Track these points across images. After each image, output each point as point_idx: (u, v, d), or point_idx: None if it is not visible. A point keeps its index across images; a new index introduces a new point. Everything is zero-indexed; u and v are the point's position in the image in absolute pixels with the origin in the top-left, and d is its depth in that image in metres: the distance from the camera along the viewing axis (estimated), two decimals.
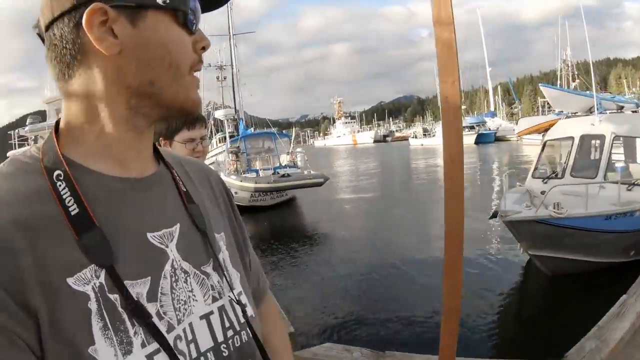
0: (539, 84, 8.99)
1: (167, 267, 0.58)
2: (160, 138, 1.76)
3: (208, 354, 0.58)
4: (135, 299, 0.52)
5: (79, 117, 0.57)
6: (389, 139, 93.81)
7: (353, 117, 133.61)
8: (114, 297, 0.51)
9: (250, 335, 0.65)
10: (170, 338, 0.54)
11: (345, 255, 8.93)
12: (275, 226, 12.81)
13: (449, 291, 1.74)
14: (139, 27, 0.54)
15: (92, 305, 0.49)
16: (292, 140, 18.54)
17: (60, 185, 0.53)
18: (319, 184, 13.71)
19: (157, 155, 0.68)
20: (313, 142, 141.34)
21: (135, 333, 0.51)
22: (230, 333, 0.62)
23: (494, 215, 5.62)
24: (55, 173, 0.53)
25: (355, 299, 6.54)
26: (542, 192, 7.10)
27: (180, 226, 0.62)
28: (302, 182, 13.99)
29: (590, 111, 8.02)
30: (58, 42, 0.55)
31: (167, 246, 0.59)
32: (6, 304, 0.45)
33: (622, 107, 7.88)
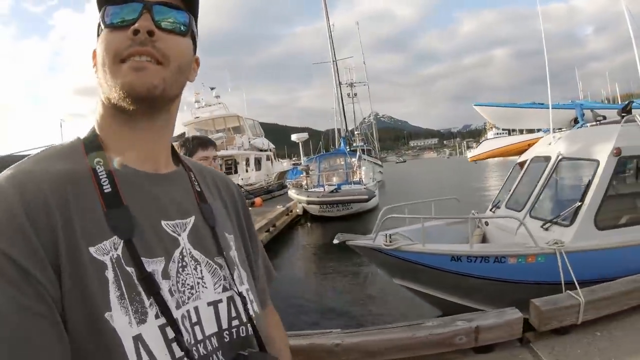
0: (473, 104, 6.88)
1: (177, 253, 0.61)
2: None
3: (212, 338, 0.60)
4: (149, 272, 0.55)
5: (100, 120, 0.66)
6: None
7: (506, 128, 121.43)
8: (131, 270, 0.54)
9: (252, 330, 0.66)
10: (179, 314, 0.57)
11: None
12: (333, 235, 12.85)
13: None
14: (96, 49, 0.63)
15: (109, 274, 0.52)
16: (357, 159, 18.27)
17: (99, 169, 0.59)
18: (364, 200, 13.39)
19: (177, 158, 0.75)
20: (466, 154, 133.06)
21: (150, 305, 0.54)
22: (235, 322, 0.64)
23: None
24: (96, 159, 0.60)
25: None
26: (487, 224, 5.95)
27: (194, 219, 0.66)
28: (347, 198, 13.96)
29: (572, 125, 6.22)
30: None
31: (179, 235, 0.62)
32: (39, 255, 0.49)
33: (603, 117, 5.59)
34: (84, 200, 0.55)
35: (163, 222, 0.62)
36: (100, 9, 0.62)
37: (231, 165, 23.46)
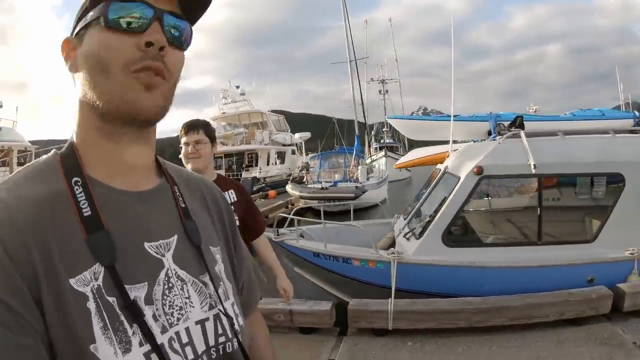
0: (386, 117, 6.72)
1: (162, 275, 0.58)
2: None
3: (203, 356, 0.59)
4: (132, 299, 0.53)
5: (76, 132, 0.60)
6: None
7: None
8: (112, 299, 0.52)
9: (237, 344, 0.65)
10: (165, 338, 0.55)
11: None
12: None
13: None
14: (84, 44, 0.57)
15: (91, 305, 0.50)
16: (353, 157, 18.40)
17: (77, 190, 0.55)
18: (350, 198, 13.55)
19: (161, 169, 0.69)
20: None
21: (133, 333, 0.52)
22: (222, 339, 0.63)
23: None
24: (74, 179, 0.56)
25: None
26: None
27: (177, 238, 0.62)
28: (332, 195, 14.23)
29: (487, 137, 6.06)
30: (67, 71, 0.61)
31: (163, 255, 0.59)
32: (23, 293, 0.47)
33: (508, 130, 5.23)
34: (62, 227, 0.52)
35: (146, 244, 0.58)
36: (96, 2, 0.56)
37: (252, 159, 24.32)
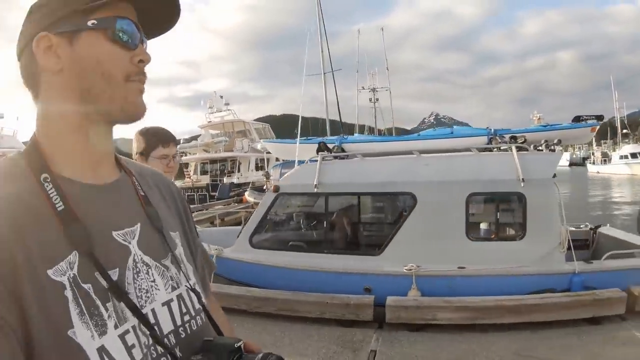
0: (262, 141, 7.69)
1: (130, 260, 0.62)
2: (137, 155, 1.93)
3: (169, 335, 0.63)
4: (115, 280, 0.58)
5: (46, 130, 0.63)
6: (588, 161, 75.85)
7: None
8: (87, 286, 0.55)
9: (205, 319, 0.70)
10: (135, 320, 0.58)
11: None
12: None
13: None
14: (75, 46, 0.60)
15: (68, 293, 0.53)
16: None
17: (47, 186, 0.58)
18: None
19: (118, 164, 0.73)
20: None
21: (109, 317, 0.55)
22: (187, 318, 0.67)
23: None
24: (42, 176, 0.58)
25: None
26: None
27: (140, 225, 0.67)
28: None
29: None
30: (24, 70, 0.63)
31: (129, 243, 0.63)
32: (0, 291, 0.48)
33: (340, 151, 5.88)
34: (38, 222, 0.55)
35: (114, 233, 0.62)
36: (91, 9, 0.60)
37: (234, 166, 25.99)
